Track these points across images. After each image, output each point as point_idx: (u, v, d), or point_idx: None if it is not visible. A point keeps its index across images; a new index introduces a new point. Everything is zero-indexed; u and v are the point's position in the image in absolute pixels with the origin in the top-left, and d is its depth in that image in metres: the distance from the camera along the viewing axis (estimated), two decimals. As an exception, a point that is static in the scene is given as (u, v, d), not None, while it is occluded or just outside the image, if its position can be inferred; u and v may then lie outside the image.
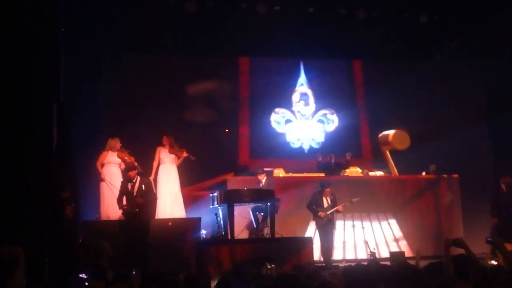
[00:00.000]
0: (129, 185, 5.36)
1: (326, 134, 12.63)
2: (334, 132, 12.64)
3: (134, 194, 5.31)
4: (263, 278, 3.77)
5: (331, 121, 12.70)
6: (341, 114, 12.59)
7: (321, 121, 12.70)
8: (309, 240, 6.17)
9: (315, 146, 12.52)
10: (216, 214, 6.60)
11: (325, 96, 12.68)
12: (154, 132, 7.67)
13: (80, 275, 4.63)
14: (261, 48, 10.78)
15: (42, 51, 5.24)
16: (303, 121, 12.58)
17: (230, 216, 5.96)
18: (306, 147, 12.59)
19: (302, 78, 12.84)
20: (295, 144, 12.52)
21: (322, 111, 12.70)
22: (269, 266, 4.49)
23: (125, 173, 5.81)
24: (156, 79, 9.31)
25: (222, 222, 6.27)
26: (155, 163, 6.71)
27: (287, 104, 12.56)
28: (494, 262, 4.88)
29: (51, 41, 5.31)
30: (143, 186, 5.32)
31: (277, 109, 12.49)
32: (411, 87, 10.38)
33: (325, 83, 12.72)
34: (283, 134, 12.41)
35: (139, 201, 5.26)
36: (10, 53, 5.11)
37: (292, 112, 12.60)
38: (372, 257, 4.48)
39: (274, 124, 12.39)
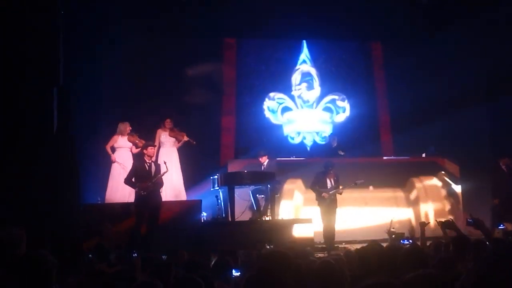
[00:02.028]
0: (146, 165, 8.35)
1: (335, 126, 15.73)
2: (345, 123, 15.77)
3: (152, 174, 8.31)
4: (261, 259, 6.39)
5: (341, 110, 15.91)
6: (354, 100, 15.75)
7: (328, 109, 15.92)
8: (309, 222, 9.33)
9: (320, 141, 15.55)
10: (216, 197, 9.86)
11: (334, 78, 15.90)
12: (153, 114, 10.80)
13: (89, 255, 7.55)
14: (259, 30, 14.42)
15: (41, 33, 8.25)
16: (306, 109, 15.80)
17: (230, 198, 9.18)
18: (308, 143, 15.59)
19: (305, 55, 16.11)
20: (295, 140, 15.59)
21: (330, 97, 15.93)
22: (268, 247, 7.52)
23: (141, 151, 8.82)
24: (154, 61, 12.88)
25: (222, 204, 9.42)
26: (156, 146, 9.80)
27: (285, 87, 15.75)
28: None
29: (50, 23, 8.32)
30: (160, 167, 8.39)
31: (271, 94, 15.60)
32: (415, 69, 14.09)
33: (334, 62, 15.98)
34: (279, 126, 15.51)
35: (160, 180, 8.31)
36: (8, 36, 8.13)
37: (292, 97, 15.82)
38: (389, 236, 7.57)
39: (267, 113, 15.48)
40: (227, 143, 14.92)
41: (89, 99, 10.53)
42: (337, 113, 15.86)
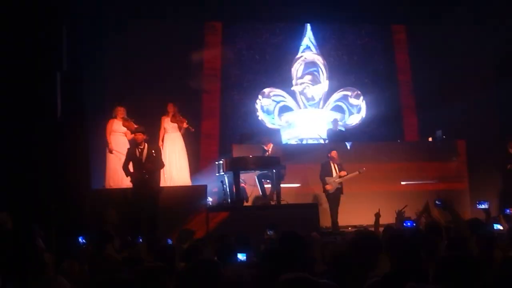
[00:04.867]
0: (137, 151, 14.64)
1: (348, 129, 22.21)
2: (360, 126, 22.45)
3: (143, 160, 14.58)
4: (264, 243, 12.46)
5: (356, 109, 22.62)
6: (372, 97, 22.31)
7: (338, 108, 22.57)
8: (315, 207, 15.92)
9: (330, 149, 22.91)
10: (222, 182, 16.46)
11: (346, 68, 22.51)
12: (157, 100, 17.61)
13: (80, 239, 13.24)
14: (252, 10, 20.96)
15: (45, 19, 14.60)
16: (310, 109, 22.28)
17: (236, 183, 15.81)
18: (315, 151, 23.09)
19: (308, 39, 22.78)
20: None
21: (341, 93, 22.57)
22: (268, 233, 13.55)
23: (131, 136, 15.33)
24: (157, 46, 19.90)
25: (228, 190, 15.92)
26: (161, 133, 17.06)
27: (284, 81, 22.24)
28: (500, 227, 13.98)
29: (53, 9, 14.69)
30: (153, 151, 14.62)
31: (266, 90, 22.05)
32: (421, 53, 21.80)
33: (346, 48, 22.68)
34: (275, 131, 21.77)
35: (149, 167, 14.66)
36: (12, 22, 14.43)
37: (292, 94, 22.38)
38: (398, 216, 13.52)
39: (261, 115, 21.87)
40: (208, 155, 20.77)
41: (91, 86, 16.99)
42: (350, 113, 22.44)
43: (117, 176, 16.01)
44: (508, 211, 14.96)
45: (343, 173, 17.26)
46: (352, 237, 8.57)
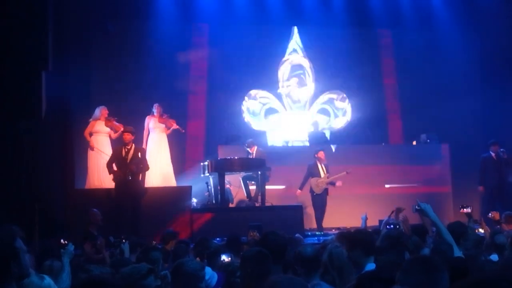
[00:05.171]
0: (123, 151, 14.75)
1: (332, 133, 22.75)
2: (346, 129, 22.82)
3: (128, 160, 14.69)
4: (247, 245, 12.73)
5: (341, 112, 23.03)
6: (358, 100, 22.70)
7: (324, 111, 22.99)
8: (300, 208, 16.04)
9: (315, 151, 23.18)
10: (207, 183, 16.47)
11: (332, 72, 22.97)
12: (143, 101, 17.57)
13: (61, 241, 13.36)
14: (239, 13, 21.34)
15: (30, 19, 14.70)
16: (296, 111, 22.72)
17: (220, 184, 15.87)
18: (300, 154, 23.40)
19: (295, 43, 23.32)
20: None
21: (327, 95, 23.05)
22: (251, 234, 13.72)
23: (120, 135, 15.33)
24: (143, 47, 20.18)
25: (213, 191, 15.97)
26: (145, 133, 16.90)
27: (270, 84, 22.71)
28: (481, 230, 14.26)
29: (39, 9, 14.78)
30: (138, 153, 14.73)
31: (253, 92, 22.51)
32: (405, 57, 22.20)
33: (332, 52, 22.99)
34: (261, 133, 22.19)
35: (133, 169, 14.77)
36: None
37: (278, 96, 22.83)
38: (385, 222, 13.78)
39: (247, 117, 22.30)
40: (193, 156, 20.95)
41: (76, 86, 17.08)
42: (336, 116, 22.81)
43: (103, 175, 16.17)
44: (490, 215, 15.24)
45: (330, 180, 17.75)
46: (350, 235, 8.83)
